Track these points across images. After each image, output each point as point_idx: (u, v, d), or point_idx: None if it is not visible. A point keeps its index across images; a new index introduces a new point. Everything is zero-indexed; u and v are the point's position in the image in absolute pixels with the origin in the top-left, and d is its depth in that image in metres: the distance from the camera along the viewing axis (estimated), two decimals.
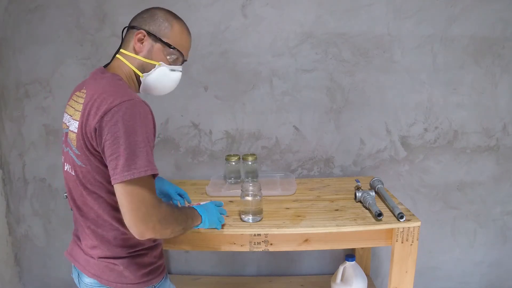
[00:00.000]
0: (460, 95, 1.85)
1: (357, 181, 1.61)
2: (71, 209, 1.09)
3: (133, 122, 0.90)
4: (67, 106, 1.08)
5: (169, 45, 1.07)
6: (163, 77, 1.10)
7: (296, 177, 1.92)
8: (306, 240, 1.33)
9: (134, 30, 1.07)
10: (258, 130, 1.91)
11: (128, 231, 1.01)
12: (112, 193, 0.98)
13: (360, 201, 1.50)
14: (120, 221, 1.01)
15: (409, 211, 1.39)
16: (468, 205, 1.95)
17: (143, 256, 1.06)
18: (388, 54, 1.82)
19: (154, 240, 1.09)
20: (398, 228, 1.30)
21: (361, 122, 1.89)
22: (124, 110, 0.90)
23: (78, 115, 0.99)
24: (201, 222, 1.18)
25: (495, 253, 2.00)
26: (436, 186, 1.93)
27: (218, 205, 1.31)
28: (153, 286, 1.08)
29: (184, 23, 1.12)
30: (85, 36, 1.85)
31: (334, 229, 1.30)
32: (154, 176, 0.95)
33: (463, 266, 2.02)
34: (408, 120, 1.88)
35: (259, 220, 1.36)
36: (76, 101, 1.03)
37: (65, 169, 1.07)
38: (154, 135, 0.99)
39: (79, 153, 0.98)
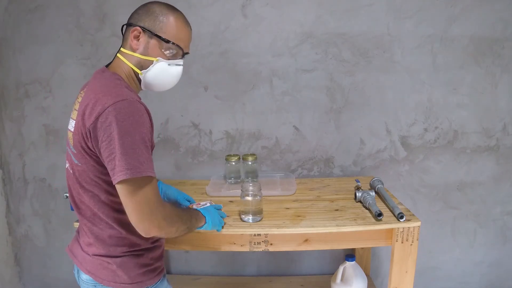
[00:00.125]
0: (460, 95, 1.85)
1: (357, 181, 1.61)
2: (72, 209, 1.09)
3: (127, 122, 0.90)
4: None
5: (165, 40, 1.04)
6: (162, 72, 1.08)
7: (296, 177, 1.92)
8: (306, 240, 1.33)
9: (131, 27, 1.05)
10: (258, 130, 1.91)
11: (125, 230, 1.02)
12: (109, 193, 0.99)
13: (360, 201, 1.50)
14: (117, 220, 1.02)
15: (409, 211, 1.39)
16: (468, 205, 1.95)
17: (138, 257, 1.06)
18: (388, 54, 1.82)
19: (153, 242, 1.09)
20: (398, 228, 1.30)
21: (361, 122, 1.88)
22: (118, 111, 0.90)
23: (75, 114, 1.00)
24: (205, 223, 1.19)
25: (495, 253, 2.00)
26: (436, 186, 1.93)
27: (218, 208, 1.33)
28: None
29: (182, 15, 1.09)
30: (85, 36, 1.85)
31: (334, 229, 1.30)
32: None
33: (463, 266, 2.02)
34: (408, 120, 1.88)
35: (259, 220, 1.36)
36: (77, 101, 1.04)
37: (66, 167, 1.08)
38: (152, 134, 0.99)
39: (75, 152, 0.99)
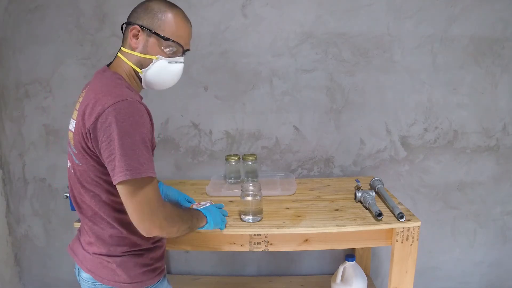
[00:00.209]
0: (460, 95, 1.85)
1: (357, 181, 1.61)
2: (72, 209, 1.09)
3: (127, 123, 0.90)
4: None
5: (164, 38, 1.03)
6: (162, 71, 1.06)
7: (296, 177, 1.92)
8: (306, 240, 1.33)
9: (130, 26, 1.05)
10: (258, 130, 1.91)
11: (126, 230, 1.02)
12: (110, 192, 0.99)
13: (360, 201, 1.50)
14: (118, 220, 1.02)
15: (409, 211, 1.39)
16: (468, 205, 1.95)
17: (138, 256, 1.06)
18: (388, 54, 1.82)
19: (154, 242, 1.09)
20: (398, 228, 1.30)
21: (361, 122, 1.88)
22: (118, 111, 0.90)
23: (76, 115, 1.00)
24: (206, 223, 1.19)
25: (495, 253, 2.00)
26: (436, 186, 1.93)
27: (219, 207, 1.33)
28: None
29: (181, 11, 1.07)
30: (85, 36, 1.85)
31: (334, 229, 1.30)
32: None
33: (463, 266, 2.02)
34: (408, 120, 1.88)
35: (259, 220, 1.36)
36: (78, 101, 1.04)
37: (67, 167, 1.08)
38: (153, 135, 0.99)
39: (76, 152, 0.99)
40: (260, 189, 1.34)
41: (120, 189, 0.92)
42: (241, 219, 1.37)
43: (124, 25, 1.08)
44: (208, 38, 1.82)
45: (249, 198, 1.33)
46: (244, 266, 2.07)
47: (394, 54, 1.81)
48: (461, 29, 1.78)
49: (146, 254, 1.08)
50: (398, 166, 1.92)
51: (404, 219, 1.30)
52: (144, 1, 1.07)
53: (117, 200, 0.98)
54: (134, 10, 1.06)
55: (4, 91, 1.95)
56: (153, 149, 0.99)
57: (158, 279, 1.11)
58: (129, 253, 1.05)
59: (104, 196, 1.00)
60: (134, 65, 1.05)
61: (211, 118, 1.91)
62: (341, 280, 1.69)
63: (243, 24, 1.81)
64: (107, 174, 0.95)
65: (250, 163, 1.71)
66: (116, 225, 1.02)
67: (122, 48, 1.07)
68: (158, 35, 1.02)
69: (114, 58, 1.09)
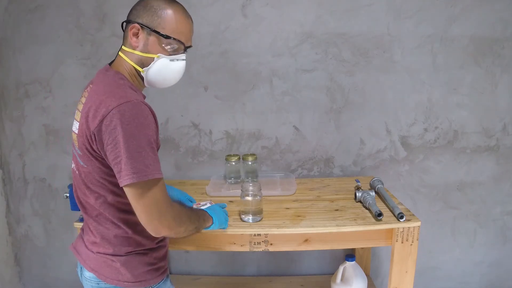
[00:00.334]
0: (460, 95, 1.85)
1: (357, 181, 1.61)
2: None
3: (132, 125, 0.89)
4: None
5: (164, 36, 1.01)
6: (164, 69, 1.04)
7: (296, 177, 1.92)
8: (306, 240, 1.33)
9: (130, 24, 1.03)
10: (258, 130, 1.91)
11: (131, 230, 1.02)
12: (115, 193, 0.99)
13: (360, 201, 1.50)
14: (123, 220, 1.02)
15: (409, 211, 1.39)
16: (468, 205, 1.95)
17: (142, 255, 1.06)
18: (388, 54, 1.81)
19: (157, 242, 1.09)
20: (398, 228, 1.30)
21: (361, 122, 1.88)
22: (122, 113, 0.89)
23: (79, 116, 0.99)
24: (212, 223, 1.19)
25: (495, 253, 2.00)
26: (436, 186, 1.93)
27: (222, 206, 1.33)
28: (150, 287, 1.07)
29: (181, 7, 1.05)
30: (85, 36, 1.85)
31: (334, 229, 1.30)
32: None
33: (463, 266, 2.02)
34: (408, 120, 1.88)
35: (259, 220, 1.36)
36: (80, 101, 1.03)
37: (72, 167, 1.08)
38: (157, 135, 0.99)
39: (81, 154, 0.99)
40: (260, 189, 1.34)
41: (127, 191, 0.92)
42: (241, 219, 1.37)
43: (124, 24, 1.07)
44: (208, 38, 1.82)
45: (249, 198, 1.33)
46: (244, 266, 2.07)
47: (394, 54, 1.81)
48: (461, 29, 1.78)
49: (150, 253, 1.08)
50: (398, 166, 1.92)
51: (404, 219, 1.30)
52: None
53: (122, 201, 0.98)
54: (133, 8, 1.05)
55: (4, 91, 1.95)
56: (157, 149, 0.99)
57: (162, 279, 1.11)
58: (133, 252, 1.05)
59: (109, 197, 0.99)
60: (136, 64, 1.04)
61: (211, 118, 1.91)
62: (341, 280, 1.69)
63: (243, 24, 1.81)
64: (112, 175, 0.94)
65: (250, 163, 1.71)
66: (121, 225, 1.02)
67: (123, 47, 1.06)
68: (158, 33, 1.01)
69: (116, 57, 1.08)
